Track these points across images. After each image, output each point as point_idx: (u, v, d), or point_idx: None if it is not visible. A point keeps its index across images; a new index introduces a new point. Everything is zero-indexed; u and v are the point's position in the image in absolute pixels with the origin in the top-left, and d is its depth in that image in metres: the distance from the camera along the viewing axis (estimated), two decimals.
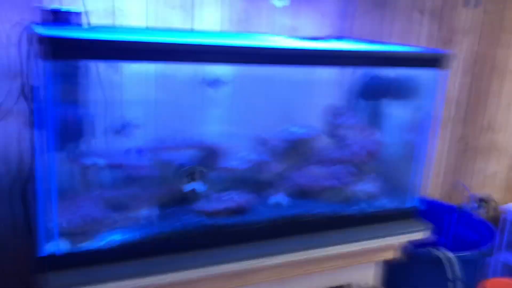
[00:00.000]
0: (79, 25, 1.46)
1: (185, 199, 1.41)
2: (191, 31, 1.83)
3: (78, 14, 1.48)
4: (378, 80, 1.77)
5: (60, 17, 1.43)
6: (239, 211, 1.43)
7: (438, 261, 1.98)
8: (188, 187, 1.35)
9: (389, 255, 1.69)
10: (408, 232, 1.66)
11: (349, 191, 1.66)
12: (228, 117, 1.74)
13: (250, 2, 1.95)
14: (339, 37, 1.99)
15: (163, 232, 1.31)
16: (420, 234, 1.67)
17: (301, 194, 1.62)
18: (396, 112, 1.78)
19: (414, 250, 1.89)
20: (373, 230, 1.60)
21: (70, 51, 1.09)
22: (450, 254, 1.98)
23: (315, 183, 1.59)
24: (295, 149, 1.68)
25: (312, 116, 1.79)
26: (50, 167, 1.13)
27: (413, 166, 1.69)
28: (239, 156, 1.56)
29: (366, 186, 1.72)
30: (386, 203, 1.70)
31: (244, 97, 1.77)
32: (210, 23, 1.91)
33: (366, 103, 1.81)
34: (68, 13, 1.44)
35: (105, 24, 1.68)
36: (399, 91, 1.76)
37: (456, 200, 2.73)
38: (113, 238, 1.26)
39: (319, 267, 1.54)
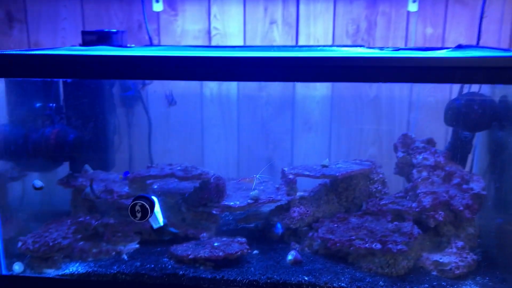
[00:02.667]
0: (120, 45, 1.42)
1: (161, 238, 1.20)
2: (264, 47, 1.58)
3: (121, 33, 1.44)
4: (484, 102, 1.17)
5: (103, 38, 1.42)
6: (224, 264, 1.12)
7: None
8: (154, 224, 1.13)
9: None
10: None
11: (408, 263, 1.12)
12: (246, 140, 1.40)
13: (372, 9, 1.58)
14: (464, 46, 1.39)
15: (130, 274, 1.13)
16: None
17: (328, 255, 1.17)
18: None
19: None
20: None
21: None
22: None
23: (348, 242, 1.13)
24: (332, 190, 1.24)
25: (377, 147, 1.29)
26: None
27: None
28: (247, 192, 1.23)
29: (446, 259, 1.14)
30: None
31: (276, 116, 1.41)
32: (318, 38, 1.63)
33: (463, 135, 1.21)
34: (111, 33, 1.42)
35: (169, 44, 1.61)
36: None
37: None
38: (77, 269, 1.16)
39: None
